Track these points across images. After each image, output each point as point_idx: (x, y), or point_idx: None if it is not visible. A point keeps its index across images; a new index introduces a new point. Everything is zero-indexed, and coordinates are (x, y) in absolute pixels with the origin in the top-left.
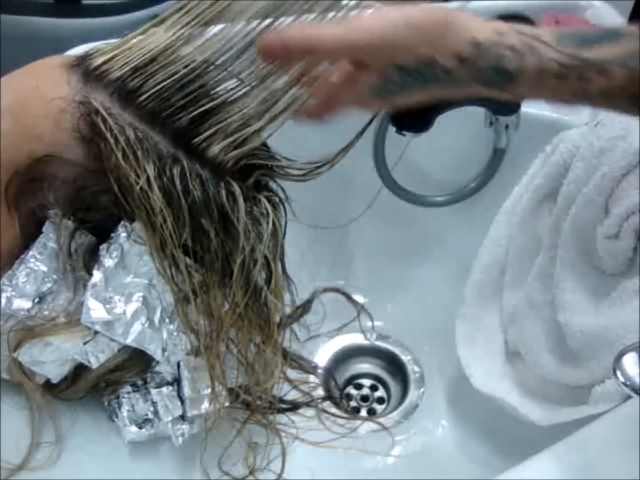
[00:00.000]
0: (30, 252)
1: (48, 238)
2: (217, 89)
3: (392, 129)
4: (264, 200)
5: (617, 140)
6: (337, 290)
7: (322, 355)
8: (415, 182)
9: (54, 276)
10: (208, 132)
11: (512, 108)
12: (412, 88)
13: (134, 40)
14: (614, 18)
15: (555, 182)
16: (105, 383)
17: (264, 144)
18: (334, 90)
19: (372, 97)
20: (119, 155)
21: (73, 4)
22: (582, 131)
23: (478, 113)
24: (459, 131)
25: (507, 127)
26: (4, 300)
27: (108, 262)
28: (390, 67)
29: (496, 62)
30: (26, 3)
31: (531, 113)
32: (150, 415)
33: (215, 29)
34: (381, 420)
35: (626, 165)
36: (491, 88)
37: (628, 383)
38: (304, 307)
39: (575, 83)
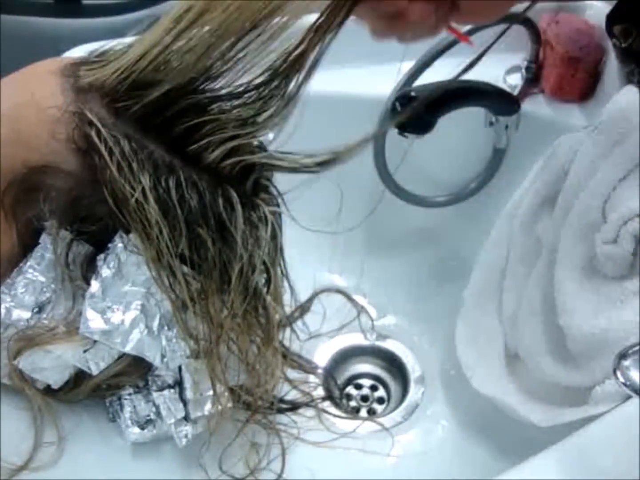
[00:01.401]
0: (28, 263)
1: (45, 248)
2: (212, 100)
3: (392, 130)
4: (262, 205)
5: (613, 146)
6: (337, 290)
7: (322, 355)
8: (415, 183)
9: (53, 286)
10: (204, 140)
11: (512, 108)
12: None
13: (125, 55)
14: None
15: (555, 187)
16: (107, 386)
17: (260, 146)
18: None
19: None
20: (114, 168)
21: (73, 4)
22: (579, 136)
23: (478, 113)
24: (459, 131)
25: (507, 127)
26: (3, 311)
27: (105, 272)
28: None
29: None
30: (26, 3)
31: (531, 113)
32: (153, 416)
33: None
34: (381, 420)
35: (622, 171)
36: None
37: (628, 383)
38: (304, 307)
39: None
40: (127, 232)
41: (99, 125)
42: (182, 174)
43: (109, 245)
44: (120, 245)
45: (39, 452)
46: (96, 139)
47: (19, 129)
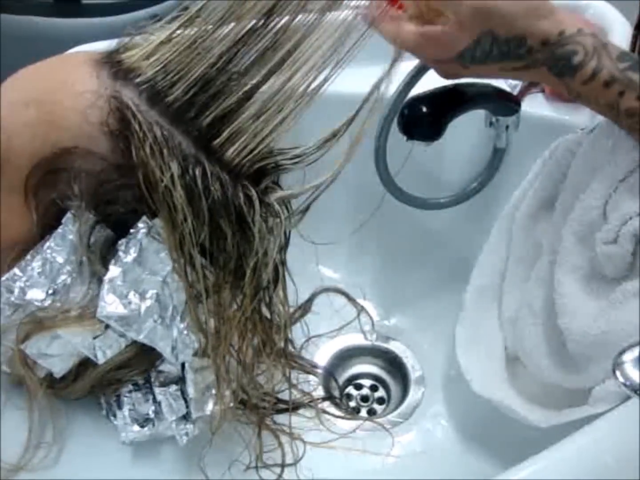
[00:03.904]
0: (47, 243)
1: (67, 230)
2: (238, 91)
3: (393, 133)
4: (276, 205)
5: (613, 147)
6: (337, 290)
7: (322, 355)
8: (415, 184)
9: (69, 268)
10: (225, 135)
11: (512, 108)
12: (493, 59)
13: (163, 39)
14: (615, 18)
15: (554, 188)
16: (108, 381)
17: (273, 150)
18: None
19: (457, 59)
20: (147, 151)
21: (73, 3)
22: (578, 137)
23: (478, 113)
24: (459, 132)
25: (507, 127)
26: (17, 290)
27: (126, 257)
28: (485, 34)
29: (569, 55)
30: (26, 3)
31: (531, 113)
32: (152, 415)
33: (238, 29)
34: (381, 420)
35: (623, 171)
36: (555, 76)
37: (628, 383)
38: (304, 307)
39: (615, 95)
40: (154, 216)
41: (135, 110)
42: (207, 166)
43: (131, 230)
44: (143, 230)
45: (38, 452)
46: (132, 121)
47: (51, 111)
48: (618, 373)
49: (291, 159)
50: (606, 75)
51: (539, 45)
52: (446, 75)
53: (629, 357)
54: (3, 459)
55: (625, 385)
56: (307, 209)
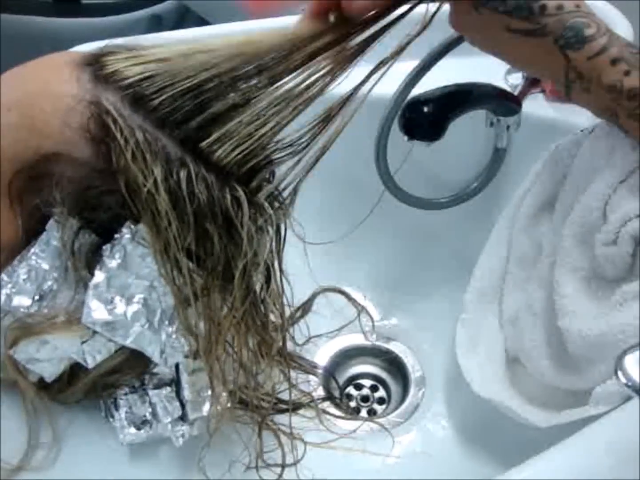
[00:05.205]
0: (32, 250)
1: (51, 236)
2: (226, 96)
3: (393, 133)
4: (267, 206)
5: (613, 148)
6: (337, 290)
7: (322, 355)
8: (416, 184)
9: (55, 274)
10: (213, 137)
11: (513, 109)
12: (506, 8)
13: (150, 48)
14: (616, 18)
15: (554, 189)
16: (102, 386)
17: (265, 147)
18: None
19: None
20: (128, 156)
21: (73, 3)
22: (578, 137)
23: (479, 114)
24: (460, 132)
25: (508, 127)
26: (3, 297)
27: (111, 262)
28: None
29: (581, 26)
30: (25, 2)
31: (532, 113)
32: (149, 417)
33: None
34: (381, 420)
35: (622, 172)
36: (559, 48)
37: (630, 384)
38: (304, 308)
39: (620, 74)
40: (137, 221)
41: (116, 115)
42: (192, 169)
43: (116, 235)
44: (127, 236)
45: (35, 452)
46: (113, 127)
47: (32, 115)
48: (620, 373)
49: (283, 150)
50: (615, 52)
51: (553, 8)
52: (455, 20)
53: (630, 357)
54: (3, 459)
55: (627, 385)
56: (294, 197)
